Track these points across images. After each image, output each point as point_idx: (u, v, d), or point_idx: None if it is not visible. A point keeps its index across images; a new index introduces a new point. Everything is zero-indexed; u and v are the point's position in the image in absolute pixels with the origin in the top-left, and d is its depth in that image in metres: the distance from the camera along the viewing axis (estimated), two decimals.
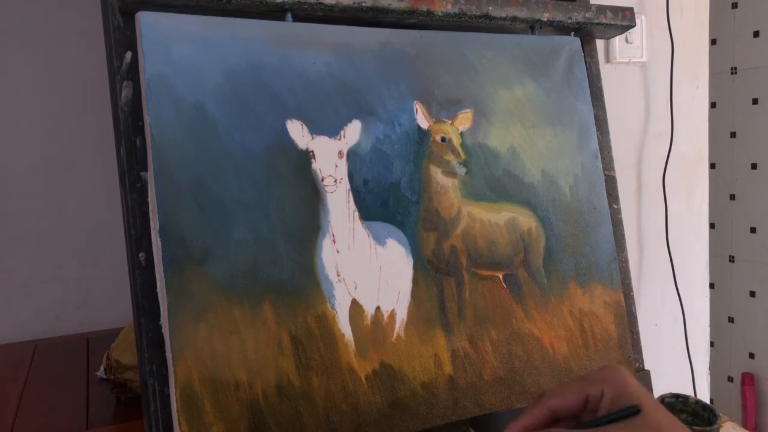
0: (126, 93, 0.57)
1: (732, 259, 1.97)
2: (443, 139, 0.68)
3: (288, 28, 0.63)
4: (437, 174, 0.68)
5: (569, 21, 0.76)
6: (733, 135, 1.94)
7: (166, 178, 0.55)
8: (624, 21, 0.79)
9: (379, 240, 0.64)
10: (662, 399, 0.64)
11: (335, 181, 0.62)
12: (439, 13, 0.69)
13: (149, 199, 0.56)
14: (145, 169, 0.57)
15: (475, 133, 0.71)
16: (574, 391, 0.42)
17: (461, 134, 0.70)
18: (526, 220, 0.72)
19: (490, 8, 0.71)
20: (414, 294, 0.65)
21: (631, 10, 0.80)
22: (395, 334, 0.63)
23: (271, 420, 0.55)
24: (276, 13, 0.63)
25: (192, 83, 0.57)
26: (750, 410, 1.90)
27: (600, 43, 0.96)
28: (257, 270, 0.57)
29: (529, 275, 0.71)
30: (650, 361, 0.81)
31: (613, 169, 0.81)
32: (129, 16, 0.57)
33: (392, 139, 0.66)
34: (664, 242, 1.01)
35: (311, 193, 0.61)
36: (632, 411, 0.39)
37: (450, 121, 0.69)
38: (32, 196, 1.38)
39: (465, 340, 0.66)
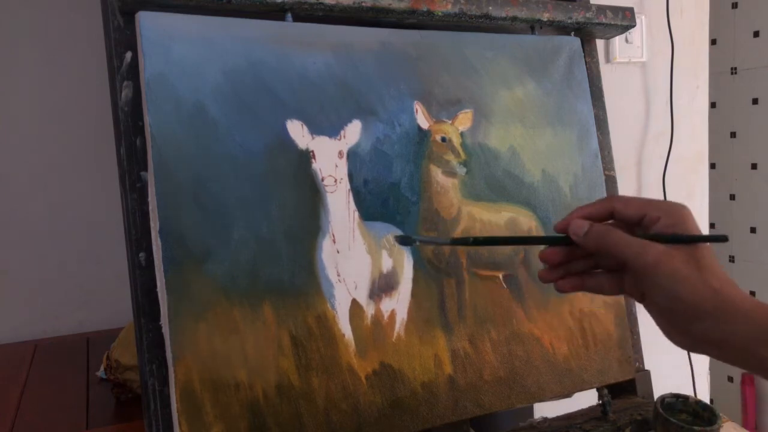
0: (126, 93, 0.57)
1: (732, 259, 1.97)
2: (443, 139, 0.68)
3: (288, 28, 0.63)
4: (437, 174, 0.68)
5: (569, 21, 0.76)
6: (733, 135, 1.95)
7: (166, 178, 0.55)
8: (624, 21, 0.79)
9: (379, 240, 0.64)
10: (662, 399, 0.64)
11: (335, 181, 0.62)
12: (439, 13, 0.69)
13: (149, 199, 0.56)
14: (145, 169, 0.57)
15: (475, 133, 0.71)
16: (638, 205, 0.45)
17: (461, 134, 0.70)
18: (526, 220, 0.72)
19: (490, 8, 0.71)
20: (414, 294, 0.65)
21: (631, 10, 0.80)
22: (395, 334, 0.63)
23: (271, 420, 0.55)
24: (276, 13, 0.63)
25: (192, 83, 0.57)
26: (750, 410, 1.90)
27: (600, 43, 0.96)
28: (257, 270, 0.57)
29: (529, 275, 0.71)
30: (650, 361, 0.81)
31: (613, 169, 0.81)
32: (129, 16, 0.57)
33: (392, 139, 0.66)
34: None
35: (311, 193, 0.61)
36: (720, 238, 0.41)
37: (450, 121, 0.69)
38: (32, 197, 1.38)
39: (465, 340, 0.66)
